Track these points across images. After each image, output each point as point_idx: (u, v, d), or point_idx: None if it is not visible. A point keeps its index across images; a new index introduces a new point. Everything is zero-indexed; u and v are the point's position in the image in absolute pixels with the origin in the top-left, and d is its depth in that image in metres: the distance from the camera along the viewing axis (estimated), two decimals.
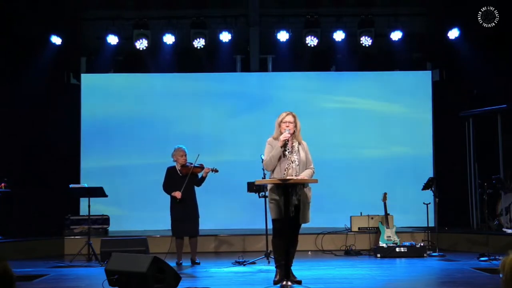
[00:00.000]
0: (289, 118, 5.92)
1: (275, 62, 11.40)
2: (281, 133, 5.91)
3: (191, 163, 7.82)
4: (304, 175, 5.82)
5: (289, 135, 5.84)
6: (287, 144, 5.85)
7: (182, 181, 7.72)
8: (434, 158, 10.96)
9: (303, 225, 5.96)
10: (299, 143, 5.95)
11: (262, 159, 6.12)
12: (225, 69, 11.25)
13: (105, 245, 7.89)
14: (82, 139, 10.91)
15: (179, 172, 7.85)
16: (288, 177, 5.66)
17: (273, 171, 5.90)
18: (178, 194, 7.71)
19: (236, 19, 11.22)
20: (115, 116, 10.95)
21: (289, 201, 5.62)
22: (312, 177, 5.88)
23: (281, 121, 5.94)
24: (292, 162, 5.81)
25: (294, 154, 5.85)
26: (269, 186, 5.96)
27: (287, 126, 5.87)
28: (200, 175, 7.91)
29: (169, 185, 7.86)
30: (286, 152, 5.85)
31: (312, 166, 5.98)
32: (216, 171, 7.84)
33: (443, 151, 10.91)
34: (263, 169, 6.94)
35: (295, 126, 5.93)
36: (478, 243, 8.81)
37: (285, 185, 5.60)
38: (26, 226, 9.79)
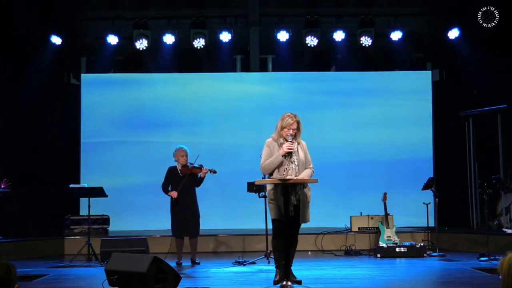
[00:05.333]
0: (295, 126, 5.79)
1: (275, 62, 11.40)
2: (281, 137, 5.85)
3: (192, 163, 7.82)
4: (304, 175, 5.81)
5: (293, 147, 5.75)
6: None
7: (182, 181, 7.73)
8: (434, 158, 10.96)
9: (303, 225, 5.96)
10: (298, 143, 5.93)
11: None
12: (225, 69, 11.25)
13: (105, 245, 7.88)
14: (82, 139, 10.91)
15: (179, 172, 7.85)
16: (288, 177, 5.65)
17: (272, 171, 5.88)
18: (174, 194, 7.71)
19: (236, 19, 11.22)
20: (115, 116, 10.96)
21: (288, 201, 5.61)
22: (312, 177, 5.87)
23: (285, 127, 5.81)
24: (292, 163, 5.78)
25: (294, 154, 5.82)
26: (268, 186, 5.94)
27: (291, 134, 5.78)
28: (199, 175, 7.90)
29: (167, 185, 7.86)
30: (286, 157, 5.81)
31: (311, 165, 5.95)
32: (215, 172, 7.85)
33: (443, 151, 10.92)
34: None
35: (298, 130, 5.89)
36: (478, 243, 8.81)
37: (284, 185, 5.59)
38: (26, 226, 9.79)
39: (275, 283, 5.87)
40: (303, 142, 5.98)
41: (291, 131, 5.80)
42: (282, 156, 5.76)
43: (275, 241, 5.91)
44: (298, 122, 5.86)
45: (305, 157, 5.90)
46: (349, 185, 10.82)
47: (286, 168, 5.77)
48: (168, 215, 7.85)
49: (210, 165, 7.92)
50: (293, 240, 5.93)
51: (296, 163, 5.80)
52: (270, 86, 11.19)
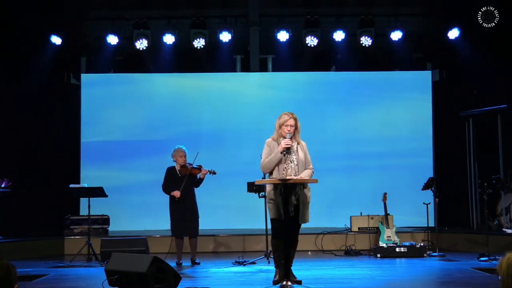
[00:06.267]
0: (291, 122, 5.87)
1: (275, 62, 11.40)
2: (281, 136, 5.88)
3: (191, 164, 7.82)
4: (304, 175, 5.82)
5: (291, 142, 5.81)
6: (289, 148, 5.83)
7: (181, 182, 7.73)
8: (434, 158, 10.96)
9: (303, 225, 5.96)
10: (298, 143, 5.95)
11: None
12: (225, 69, 11.25)
13: (105, 245, 7.89)
14: (82, 139, 10.91)
15: (178, 173, 7.85)
16: (288, 177, 5.66)
17: (271, 171, 5.90)
18: (177, 193, 7.70)
19: (236, 19, 11.22)
20: (115, 116, 10.96)
21: (288, 201, 5.62)
22: (312, 177, 5.88)
23: (282, 124, 5.89)
24: (291, 162, 5.80)
25: (293, 154, 5.84)
26: (268, 186, 5.95)
27: (289, 130, 5.84)
28: (198, 176, 7.90)
29: (168, 186, 7.86)
30: (284, 153, 5.83)
31: (311, 166, 5.97)
32: (214, 173, 7.84)
33: (443, 151, 10.91)
34: None
35: (296, 128, 5.92)
36: (478, 243, 8.81)
37: (284, 185, 5.60)
38: (26, 226, 9.80)
39: (275, 283, 5.88)
40: (303, 143, 6.00)
41: (288, 128, 5.85)
42: (281, 153, 5.78)
43: (275, 240, 5.93)
44: (295, 119, 5.91)
45: (305, 158, 5.92)
46: (349, 185, 10.81)
47: (286, 167, 5.78)
48: (168, 215, 7.85)
49: (210, 165, 7.92)
50: (294, 240, 5.93)
51: (295, 162, 5.81)
52: (270, 86, 11.19)
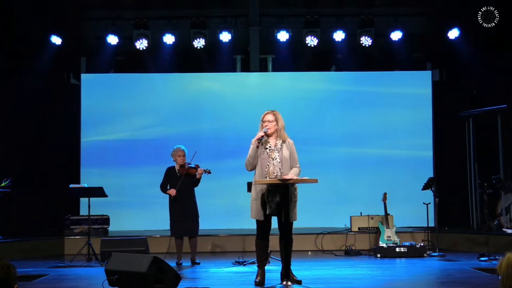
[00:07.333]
0: (269, 117, 5.94)
1: (275, 62, 11.39)
2: None
3: (189, 163, 7.83)
4: (293, 174, 5.81)
5: (263, 134, 5.85)
6: (262, 141, 5.84)
7: (179, 181, 7.74)
8: (434, 158, 10.96)
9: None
10: (283, 141, 5.94)
11: None
12: (225, 69, 11.25)
13: (105, 245, 7.89)
14: (82, 139, 10.91)
15: (177, 172, 7.86)
16: (288, 177, 5.66)
17: (254, 169, 5.90)
18: (172, 191, 7.71)
19: (236, 19, 11.21)
20: (115, 116, 10.96)
21: (274, 199, 5.63)
22: (299, 176, 5.86)
23: (262, 119, 5.98)
24: (273, 160, 5.82)
25: (276, 151, 5.85)
26: (253, 186, 5.94)
27: (266, 125, 5.89)
28: (196, 175, 7.91)
29: (166, 185, 7.87)
30: (267, 150, 5.84)
31: (298, 165, 5.95)
32: (209, 172, 7.83)
33: (443, 151, 10.92)
34: None
35: (277, 124, 5.93)
36: (478, 243, 8.82)
37: (276, 185, 5.60)
38: (26, 226, 9.80)
39: (256, 284, 5.90)
40: (289, 141, 6.02)
41: (266, 123, 5.92)
42: (257, 147, 5.82)
43: (258, 241, 5.96)
44: (274, 115, 5.97)
45: (291, 156, 5.92)
46: (348, 185, 10.81)
47: (268, 165, 5.80)
48: (168, 215, 7.86)
49: (210, 165, 7.92)
50: (288, 239, 5.89)
51: (278, 160, 5.83)
52: (270, 86, 11.19)
